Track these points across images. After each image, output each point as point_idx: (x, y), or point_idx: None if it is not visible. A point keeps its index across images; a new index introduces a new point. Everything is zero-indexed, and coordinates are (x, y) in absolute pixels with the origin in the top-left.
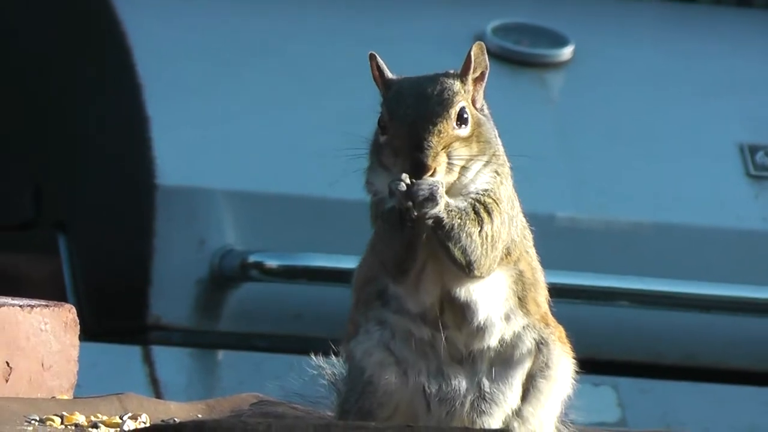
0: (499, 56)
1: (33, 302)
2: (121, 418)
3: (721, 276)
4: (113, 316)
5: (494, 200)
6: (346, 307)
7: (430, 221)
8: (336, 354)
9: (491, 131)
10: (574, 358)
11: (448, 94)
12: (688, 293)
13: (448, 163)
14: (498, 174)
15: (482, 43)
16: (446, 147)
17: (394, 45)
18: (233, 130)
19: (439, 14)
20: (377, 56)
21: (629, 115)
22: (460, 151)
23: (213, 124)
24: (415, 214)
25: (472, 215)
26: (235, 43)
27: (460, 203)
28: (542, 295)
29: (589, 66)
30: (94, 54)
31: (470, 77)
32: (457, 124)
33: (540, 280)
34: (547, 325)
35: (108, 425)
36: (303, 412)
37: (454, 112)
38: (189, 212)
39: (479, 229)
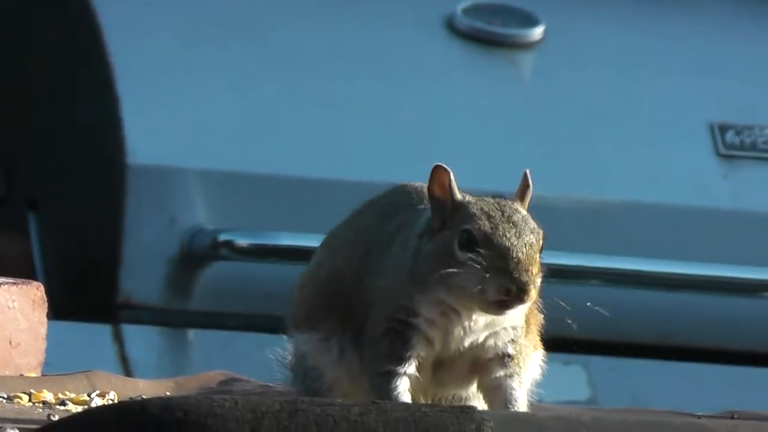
0: (469, 36)
1: (0, 280)
2: (89, 395)
3: (690, 255)
4: (83, 295)
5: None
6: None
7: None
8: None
9: None
10: (543, 339)
11: (535, 225)
12: (658, 272)
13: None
14: None
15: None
16: (538, 275)
17: (364, 25)
18: (204, 109)
19: None
20: (451, 172)
21: (600, 95)
22: (539, 279)
23: (184, 103)
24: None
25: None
26: (206, 22)
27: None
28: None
29: (559, 46)
30: (64, 33)
31: (526, 204)
32: (541, 253)
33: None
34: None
35: (76, 403)
36: (271, 389)
37: (541, 245)
38: (159, 191)
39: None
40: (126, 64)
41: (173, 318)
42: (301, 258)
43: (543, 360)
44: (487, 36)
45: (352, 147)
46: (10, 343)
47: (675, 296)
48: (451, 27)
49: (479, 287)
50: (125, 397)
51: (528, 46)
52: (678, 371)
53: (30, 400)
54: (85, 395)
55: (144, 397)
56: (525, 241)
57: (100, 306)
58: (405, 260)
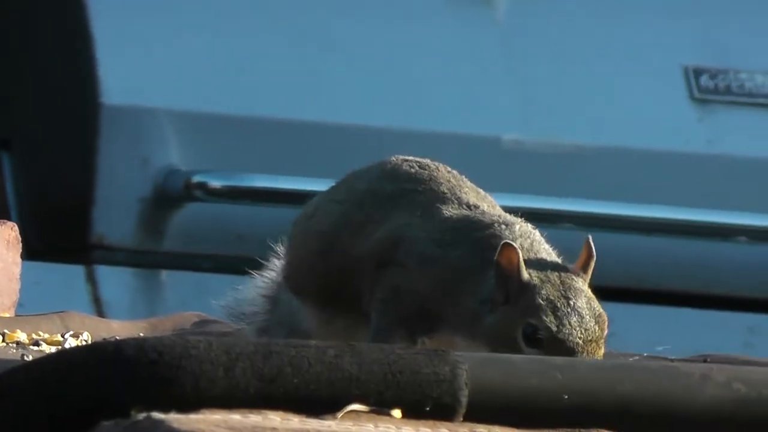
0: None
1: None
2: (62, 336)
3: (664, 199)
4: (56, 235)
5: None
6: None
7: None
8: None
9: None
10: None
11: (600, 312)
12: (632, 216)
13: None
14: None
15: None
16: None
17: None
18: (179, 49)
19: None
20: (520, 252)
21: (575, 37)
22: None
23: (158, 43)
24: None
25: None
26: None
27: None
28: None
29: None
30: None
31: (589, 274)
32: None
33: None
34: None
35: (49, 343)
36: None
37: (606, 331)
38: (133, 131)
39: None
40: (100, 3)
41: (146, 259)
42: (275, 200)
43: None
44: None
45: (327, 89)
46: None
47: (649, 240)
48: None
49: None
50: (99, 338)
51: None
52: (652, 315)
53: (3, 341)
54: (59, 336)
55: (118, 337)
56: (590, 337)
57: (74, 247)
58: (463, 291)
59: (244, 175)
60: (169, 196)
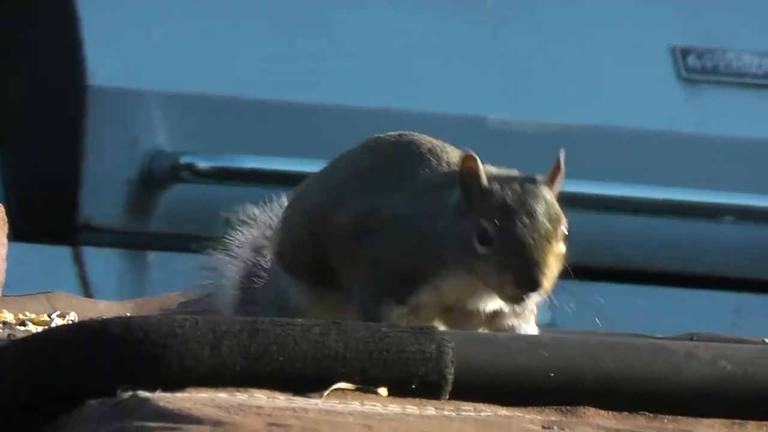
0: None
1: None
2: (49, 316)
3: (651, 179)
4: (43, 217)
5: None
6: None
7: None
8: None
9: None
10: None
11: (556, 212)
12: (620, 196)
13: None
14: None
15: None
16: (555, 267)
17: None
18: (166, 30)
19: None
20: (478, 159)
21: (562, 17)
22: (558, 267)
23: (145, 24)
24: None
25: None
26: None
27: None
28: None
29: None
30: None
31: (557, 186)
32: (559, 243)
33: None
34: None
35: (36, 323)
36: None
37: (562, 232)
38: (120, 113)
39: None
40: None
41: (133, 240)
42: (261, 180)
43: None
44: None
45: (314, 70)
46: None
47: (636, 220)
48: None
49: (496, 282)
50: (86, 318)
51: None
52: (639, 294)
53: None
54: (46, 316)
55: (104, 317)
56: (540, 235)
57: (61, 228)
58: (435, 228)
59: (230, 156)
60: (156, 177)
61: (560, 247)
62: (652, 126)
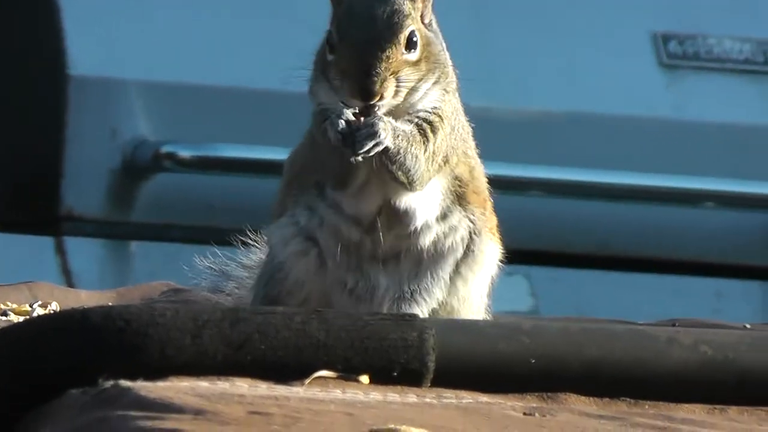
0: None
1: None
2: (30, 306)
3: (632, 165)
4: (25, 207)
5: (440, 117)
6: (260, 198)
7: (373, 153)
8: (245, 244)
9: (439, 48)
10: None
11: (398, 18)
12: (600, 182)
13: (396, 87)
14: (446, 91)
15: None
16: (395, 72)
17: None
18: (147, 20)
19: None
20: None
21: (542, 3)
22: (409, 75)
23: (127, 13)
24: (356, 156)
25: (418, 137)
26: None
27: (406, 126)
28: (482, 183)
29: None
30: None
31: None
32: (406, 50)
33: (478, 174)
34: (484, 211)
35: (17, 313)
36: (212, 299)
37: (403, 37)
38: (101, 102)
39: (424, 149)
40: None
41: (115, 230)
42: (244, 169)
43: (501, 258)
44: None
45: (295, 58)
46: None
47: (617, 206)
48: None
49: (339, 88)
50: (67, 308)
51: None
52: (620, 281)
53: None
54: (27, 306)
55: (86, 307)
56: (372, 38)
57: (43, 218)
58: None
59: (212, 145)
60: (138, 166)
61: (406, 54)
62: (634, 112)
